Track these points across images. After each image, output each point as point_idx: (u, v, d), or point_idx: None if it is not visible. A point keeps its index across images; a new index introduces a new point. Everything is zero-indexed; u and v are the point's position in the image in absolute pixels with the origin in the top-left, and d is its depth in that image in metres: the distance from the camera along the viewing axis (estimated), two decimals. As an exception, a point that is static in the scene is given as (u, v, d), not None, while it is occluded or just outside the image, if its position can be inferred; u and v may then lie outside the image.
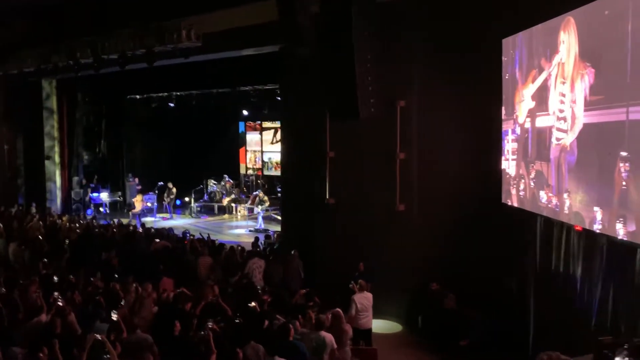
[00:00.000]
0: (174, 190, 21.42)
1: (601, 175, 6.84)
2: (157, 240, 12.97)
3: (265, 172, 23.67)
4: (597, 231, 7.05)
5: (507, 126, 9.72)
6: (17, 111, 21.42)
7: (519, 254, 9.49)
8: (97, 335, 6.11)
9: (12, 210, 17.74)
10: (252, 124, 24.11)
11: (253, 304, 8.00)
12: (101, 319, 7.35)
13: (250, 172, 24.15)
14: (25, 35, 18.90)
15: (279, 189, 19.78)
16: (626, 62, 6.23)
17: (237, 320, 7.63)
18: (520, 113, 9.37)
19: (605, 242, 7.21)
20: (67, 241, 13.20)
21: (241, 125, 24.39)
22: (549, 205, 8.23)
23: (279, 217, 17.37)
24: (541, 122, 8.49)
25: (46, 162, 20.93)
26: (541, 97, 8.69)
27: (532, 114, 8.97)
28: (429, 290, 10.58)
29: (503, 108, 9.77)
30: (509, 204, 9.65)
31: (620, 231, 6.49)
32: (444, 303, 9.93)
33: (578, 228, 7.61)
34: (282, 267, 11.36)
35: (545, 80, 8.48)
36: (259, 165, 23.71)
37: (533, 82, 8.96)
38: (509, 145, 9.62)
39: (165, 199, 21.47)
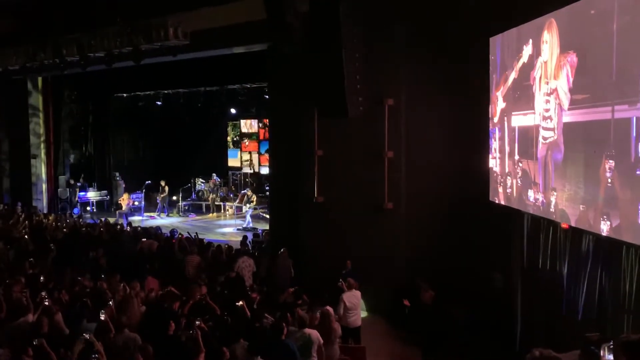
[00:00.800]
0: (166, 188, 21.41)
1: (587, 173, 6.90)
2: (144, 239, 12.90)
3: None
4: (583, 228, 7.11)
5: (494, 125, 9.79)
6: (2, 110, 21.22)
7: (506, 251, 9.56)
8: (86, 335, 6.07)
9: (-2, 209, 17.61)
10: (249, 161, 23.99)
11: (240, 302, 7.98)
12: (88, 319, 7.30)
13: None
14: (10, 32, 18.72)
15: (267, 188, 19.75)
16: (611, 61, 6.29)
17: (225, 319, 7.61)
18: (496, 113, 9.52)
19: (591, 239, 7.28)
20: (52, 240, 13.10)
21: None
22: (536, 204, 8.30)
23: (268, 216, 17.34)
24: (524, 121, 8.56)
25: (32, 160, 20.74)
26: (513, 97, 8.82)
27: (507, 114, 9.10)
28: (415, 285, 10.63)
29: (490, 106, 9.83)
30: (497, 201, 9.71)
31: (605, 228, 6.55)
32: (420, 297, 10.00)
33: (565, 226, 7.68)
34: (270, 264, 11.37)
35: (518, 82, 8.61)
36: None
37: (505, 82, 9.09)
38: (496, 143, 9.69)
39: (159, 197, 21.42)
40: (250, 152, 24.14)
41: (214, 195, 21.86)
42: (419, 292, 10.32)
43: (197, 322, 6.80)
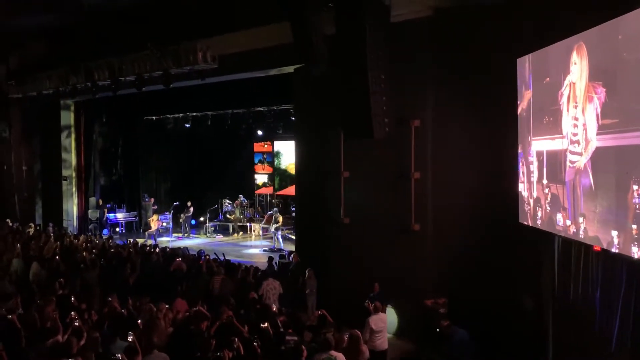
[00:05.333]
0: (191, 209, 21.63)
1: (616, 198, 6.78)
2: (178, 259, 12.98)
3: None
4: (614, 252, 6.96)
5: (521, 148, 9.68)
6: (35, 132, 21.79)
7: (537, 274, 9.39)
8: (118, 355, 6.17)
9: (30, 230, 17.93)
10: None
11: (265, 324, 7.96)
12: (116, 340, 7.36)
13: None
14: (44, 57, 19.30)
15: (293, 208, 19.80)
16: (641, 87, 6.21)
17: (252, 340, 7.60)
18: (523, 136, 9.44)
19: (625, 263, 7.12)
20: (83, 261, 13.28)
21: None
22: (566, 230, 8.12)
23: (294, 237, 17.36)
24: (552, 145, 8.45)
25: (63, 182, 21.18)
26: (541, 120, 8.77)
27: (535, 137, 9.05)
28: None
29: (518, 128, 9.73)
30: (526, 224, 9.56)
31: (636, 253, 6.40)
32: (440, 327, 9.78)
33: (597, 248, 7.53)
34: (300, 286, 11.39)
35: (546, 104, 8.55)
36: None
37: (532, 104, 9.01)
38: (524, 167, 9.56)
39: (182, 217, 21.64)
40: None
41: (240, 215, 21.97)
42: (438, 320, 10.11)
43: (234, 344, 6.83)
